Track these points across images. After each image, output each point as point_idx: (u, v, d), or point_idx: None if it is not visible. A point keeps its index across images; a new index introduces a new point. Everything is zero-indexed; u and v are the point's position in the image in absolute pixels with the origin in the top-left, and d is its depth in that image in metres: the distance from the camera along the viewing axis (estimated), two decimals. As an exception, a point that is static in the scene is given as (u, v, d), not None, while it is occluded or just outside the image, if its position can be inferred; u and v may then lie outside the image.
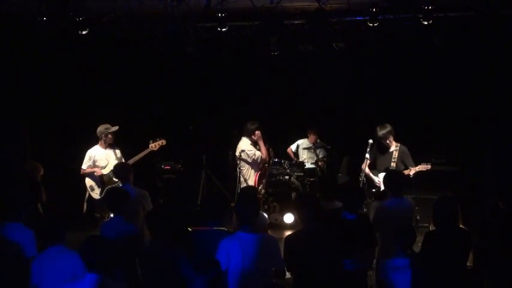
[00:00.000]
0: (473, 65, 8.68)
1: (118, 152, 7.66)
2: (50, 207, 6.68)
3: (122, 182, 6.45)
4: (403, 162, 7.30)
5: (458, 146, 8.99)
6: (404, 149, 7.38)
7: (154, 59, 9.22)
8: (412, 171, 7.22)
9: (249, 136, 8.11)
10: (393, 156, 7.34)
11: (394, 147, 7.39)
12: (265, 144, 8.16)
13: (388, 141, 7.37)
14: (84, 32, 7.43)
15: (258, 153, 8.06)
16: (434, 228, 4.93)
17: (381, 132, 7.32)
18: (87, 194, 7.66)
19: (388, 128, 7.35)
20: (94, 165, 7.59)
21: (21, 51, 8.35)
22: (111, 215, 5.78)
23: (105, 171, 7.53)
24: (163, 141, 7.82)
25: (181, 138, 9.44)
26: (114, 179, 7.34)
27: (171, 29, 7.36)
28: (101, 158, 7.58)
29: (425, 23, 7.09)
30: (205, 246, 4.46)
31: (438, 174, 8.69)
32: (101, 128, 7.54)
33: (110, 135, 7.53)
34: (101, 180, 7.54)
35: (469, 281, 4.69)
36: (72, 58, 8.99)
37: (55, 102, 9.37)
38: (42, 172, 6.88)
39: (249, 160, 8.07)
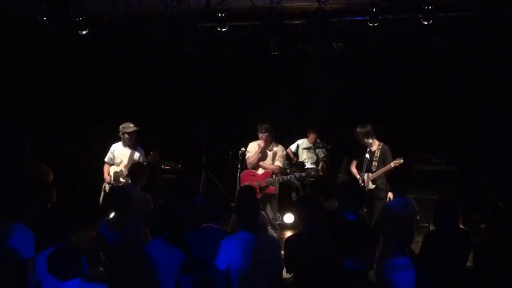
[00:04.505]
0: (473, 65, 8.68)
1: (137, 154, 7.50)
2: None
3: (131, 182, 6.45)
4: (383, 162, 7.36)
5: (458, 146, 8.98)
6: (386, 148, 7.44)
7: (154, 59, 9.22)
8: (382, 171, 7.29)
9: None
10: (375, 155, 7.42)
11: (376, 146, 7.46)
12: (265, 149, 7.57)
13: (361, 142, 7.44)
14: (84, 32, 7.43)
15: (249, 155, 7.57)
16: (434, 228, 4.93)
17: (355, 133, 7.44)
18: (103, 185, 7.62)
19: (360, 129, 7.40)
20: (113, 159, 7.57)
21: (21, 51, 8.35)
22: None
23: (117, 169, 7.51)
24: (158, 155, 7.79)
25: (181, 138, 9.45)
26: (121, 179, 7.33)
27: (171, 29, 7.35)
28: (118, 154, 7.53)
29: (425, 23, 7.08)
30: (206, 245, 4.46)
31: (438, 174, 8.70)
32: (121, 126, 7.50)
33: (126, 135, 7.45)
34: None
35: (469, 281, 4.69)
36: (72, 58, 8.99)
37: (55, 103, 9.37)
38: (52, 177, 6.83)
39: None
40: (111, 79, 9.60)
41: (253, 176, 7.50)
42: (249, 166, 7.55)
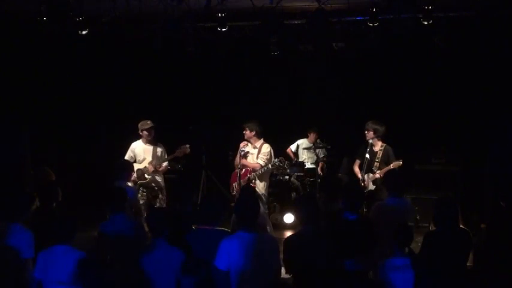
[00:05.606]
0: (473, 65, 8.69)
1: (159, 149, 7.62)
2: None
3: (119, 179, 6.47)
4: (385, 163, 7.35)
5: (458, 145, 8.99)
6: (389, 149, 7.45)
7: (155, 59, 9.22)
8: (381, 173, 7.27)
9: None
10: (377, 156, 7.42)
11: (379, 147, 7.48)
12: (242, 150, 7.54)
13: (366, 133, 7.47)
14: (84, 32, 7.44)
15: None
16: (434, 228, 4.93)
17: (367, 123, 7.48)
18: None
19: (372, 124, 7.44)
20: (135, 158, 7.57)
21: (21, 51, 8.35)
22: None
23: (141, 166, 7.50)
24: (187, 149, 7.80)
25: (181, 138, 9.43)
26: (146, 176, 7.35)
27: (171, 29, 7.36)
28: (140, 152, 7.57)
29: (425, 23, 7.08)
30: (205, 246, 4.46)
31: (438, 174, 8.71)
32: (139, 124, 7.54)
33: (144, 131, 7.50)
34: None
35: (469, 281, 4.69)
36: (72, 58, 8.98)
37: (54, 103, 9.36)
38: (54, 178, 6.83)
39: None
40: (111, 79, 9.60)
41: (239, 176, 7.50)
42: (236, 167, 7.58)
